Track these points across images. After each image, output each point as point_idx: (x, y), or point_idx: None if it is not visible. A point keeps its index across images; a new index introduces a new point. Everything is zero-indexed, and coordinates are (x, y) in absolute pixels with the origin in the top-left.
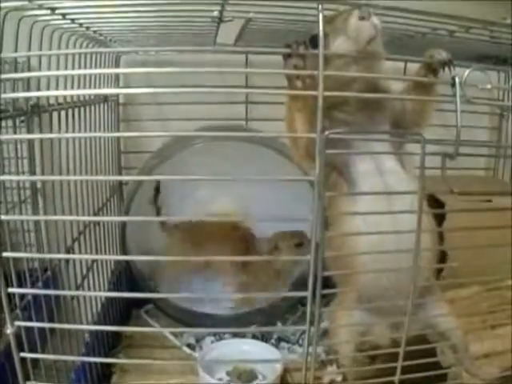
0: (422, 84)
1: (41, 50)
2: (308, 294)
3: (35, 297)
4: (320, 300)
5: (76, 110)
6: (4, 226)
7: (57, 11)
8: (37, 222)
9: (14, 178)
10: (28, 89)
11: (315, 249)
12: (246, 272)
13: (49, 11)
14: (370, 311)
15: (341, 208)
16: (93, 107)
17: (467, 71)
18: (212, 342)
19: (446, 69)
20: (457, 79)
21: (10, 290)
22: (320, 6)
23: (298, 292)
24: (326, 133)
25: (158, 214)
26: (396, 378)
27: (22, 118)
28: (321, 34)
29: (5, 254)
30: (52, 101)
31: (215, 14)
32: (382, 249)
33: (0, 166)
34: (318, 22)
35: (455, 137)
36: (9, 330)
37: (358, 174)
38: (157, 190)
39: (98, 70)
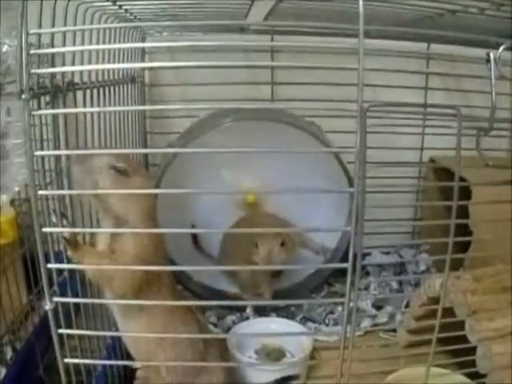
0: None
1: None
2: (348, 265)
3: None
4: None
5: (106, 88)
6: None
7: None
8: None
9: (52, 152)
10: (63, 65)
11: (355, 221)
12: None
13: None
14: None
15: None
16: (121, 86)
17: (501, 48)
18: (233, 322)
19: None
20: (491, 55)
21: (50, 265)
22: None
23: (338, 264)
24: (367, 105)
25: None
26: (431, 349)
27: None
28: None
29: (44, 230)
30: (79, 79)
31: None
32: None
33: (38, 142)
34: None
35: (490, 112)
36: (47, 306)
37: None
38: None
39: (127, 45)
